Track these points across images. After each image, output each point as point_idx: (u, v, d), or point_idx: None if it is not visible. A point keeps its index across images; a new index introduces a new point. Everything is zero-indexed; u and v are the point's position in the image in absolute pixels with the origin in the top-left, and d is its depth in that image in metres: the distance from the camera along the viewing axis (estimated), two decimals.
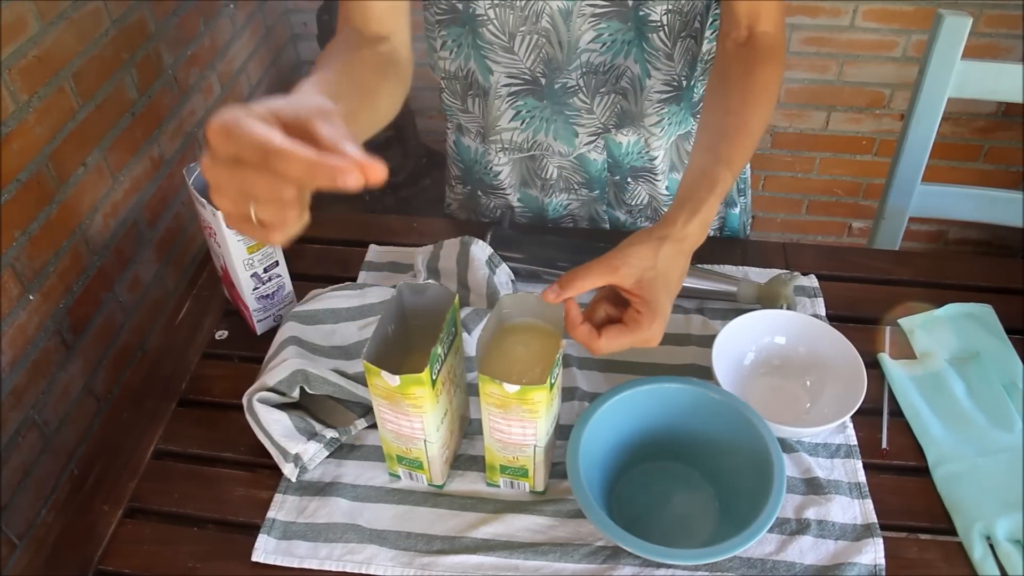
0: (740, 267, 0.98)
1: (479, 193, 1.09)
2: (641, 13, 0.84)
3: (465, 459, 0.79)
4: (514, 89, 0.93)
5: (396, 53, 0.84)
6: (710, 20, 0.89)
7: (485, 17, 0.87)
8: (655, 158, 0.99)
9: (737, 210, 1.09)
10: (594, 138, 0.96)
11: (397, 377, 0.66)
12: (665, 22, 0.85)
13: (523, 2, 0.84)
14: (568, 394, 0.83)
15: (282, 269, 0.90)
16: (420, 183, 1.97)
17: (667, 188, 1.02)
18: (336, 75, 0.70)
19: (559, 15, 0.85)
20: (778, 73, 0.81)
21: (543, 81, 0.91)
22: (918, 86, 1.13)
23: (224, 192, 0.48)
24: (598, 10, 0.84)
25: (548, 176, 1.02)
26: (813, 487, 0.75)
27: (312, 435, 0.78)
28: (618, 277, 0.66)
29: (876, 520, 0.73)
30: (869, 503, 0.74)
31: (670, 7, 0.84)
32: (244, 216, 0.48)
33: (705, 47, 0.91)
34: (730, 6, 0.82)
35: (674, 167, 1.02)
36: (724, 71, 0.82)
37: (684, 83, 0.92)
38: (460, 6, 0.88)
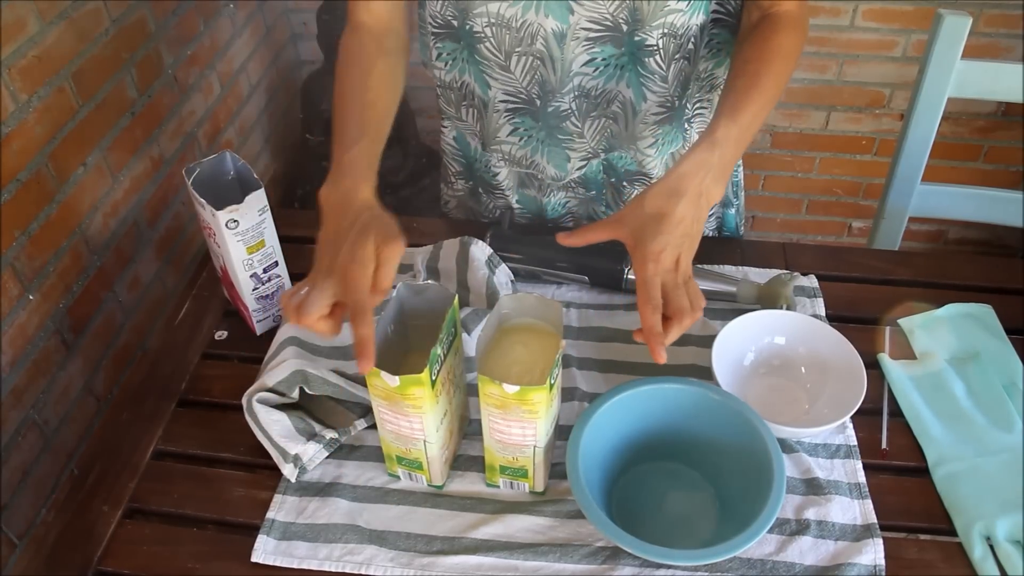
0: (740, 267, 0.98)
1: (480, 190, 1.09)
2: (637, 38, 0.84)
3: (465, 459, 0.79)
4: (512, 106, 0.93)
5: (400, 40, 0.91)
6: (705, 40, 0.89)
7: (482, 34, 0.87)
8: (649, 167, 0.99)
9: (733, 211, 1.09)
10: (585, 163, 0.97)
11: (397, 378, 0.66)
12: (661, 45, 0.85)
13: (518, 23, 0.84)
14: (568, 394, 0.83)
15: (282, 269, 0.90)
16: (420, 183, 1.96)
17: None
18: (372, 116, 0.81)
19: (553, 37, 0.84)
20: (797, 40, 0.83)
21: (538, 103, 0.91)
22: (918, 86, 1.13)
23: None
24: (592, 34, 0.84)
25: (544, 178, 1.02)
26: (813, 487, 0.75)
27: (312, 436, 0.78)
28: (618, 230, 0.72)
29: (876, 520, 0.73)
30: (869, 503, 0.74)
31: (666, 31, 0.84)
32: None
33: (702, 66, 0.92)
34: None
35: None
36: (744, 39, 0.85)
37: (676, 103, 0.92)
38: (455, 23, 0.88)
